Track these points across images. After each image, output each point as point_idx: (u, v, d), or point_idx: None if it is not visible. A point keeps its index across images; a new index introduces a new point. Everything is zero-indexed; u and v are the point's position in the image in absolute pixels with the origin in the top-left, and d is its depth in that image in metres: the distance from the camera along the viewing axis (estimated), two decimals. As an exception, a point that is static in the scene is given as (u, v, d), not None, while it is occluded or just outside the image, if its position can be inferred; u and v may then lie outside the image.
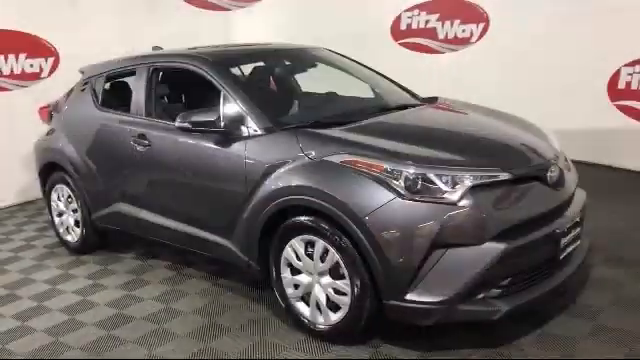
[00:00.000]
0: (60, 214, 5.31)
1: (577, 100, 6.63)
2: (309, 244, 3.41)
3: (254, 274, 3.82)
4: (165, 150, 4.13)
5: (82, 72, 5.26)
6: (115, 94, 4.90)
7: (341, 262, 3.25)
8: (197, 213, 4.03)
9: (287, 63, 4.76)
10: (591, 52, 6.40)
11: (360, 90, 4.72)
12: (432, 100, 4.42)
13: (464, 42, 7.65)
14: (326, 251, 3.31)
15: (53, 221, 5.39)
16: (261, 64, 4.61)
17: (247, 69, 4.80)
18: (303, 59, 4.76)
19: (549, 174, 3.30)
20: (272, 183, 3.48)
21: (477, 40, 7.55)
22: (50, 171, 5.26)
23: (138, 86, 4.48)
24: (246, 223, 3.67)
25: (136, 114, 4.43)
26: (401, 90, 4.63)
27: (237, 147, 3.68)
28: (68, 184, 5.05)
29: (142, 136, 4.28)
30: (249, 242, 3.70)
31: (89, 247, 5.18)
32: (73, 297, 4.37)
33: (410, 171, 3.07)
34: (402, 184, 3.05)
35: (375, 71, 4.80)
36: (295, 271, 3.52)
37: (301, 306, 3.55)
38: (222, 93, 3.87)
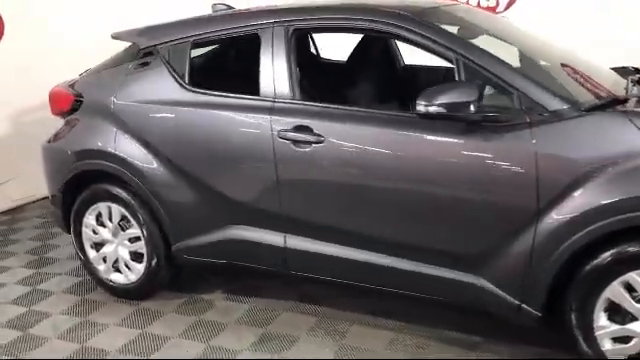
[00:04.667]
0: (98, 245, 3.67)
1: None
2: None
3: (524, 320, 2.66)
4: (363, 149, 2.79)
5: (118, 38, 3.65)
6: (212, 68, 3.39)
7: None
8: (420, 239, 2.77)
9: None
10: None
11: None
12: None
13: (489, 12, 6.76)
14: None
15: (85, 256, 3.73)
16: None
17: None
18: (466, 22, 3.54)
19: None
20: (600, 192, 2.34)
21: (505, 9, 6.69)
22: (82, 185, 3.59)
23: (271, 56, 3.05)
24: (527, 252, 2.51)
25: (275, 97, 3.01)
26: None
27: (514, 139, 2.49)
28: (122, 202, 3.45)
29: (304, 129, 2.90)
30: (528, 278, 2.55)
31: (151, 289, 3.63)
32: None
33: None
34: None
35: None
36: (618, 317, 2.43)
37: (632, 368, 2.47)
38: (462, 63, 2.63)
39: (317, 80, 3.31)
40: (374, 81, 3.79)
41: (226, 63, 3.65)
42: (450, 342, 3.03)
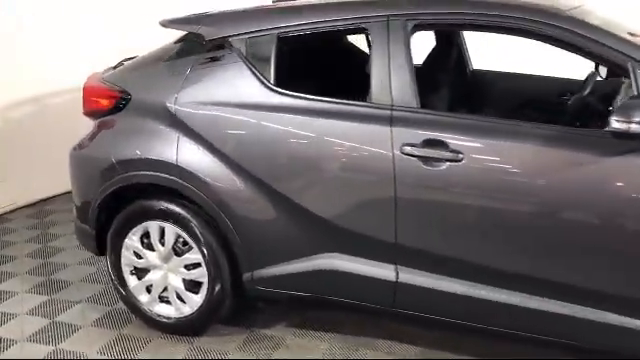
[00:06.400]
0: (140, 271, 3.09)
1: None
2: None
3: None
4: (518, 171, 2.36)
5: (167, 26, 3.08)
6: (304, 67, 2.88)
7: None
8: (586, 281, 2.37)
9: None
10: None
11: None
12: None
13: None
14: None
15: (123, 284, 3.13)
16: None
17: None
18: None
19: None
20: None
21: None
22: (124, 200, 3.01)
23: (387, 56, 2.59)
24: None
25: (392, 104, 2.55)
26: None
27: None
28: (178, 221, 2.90)
29: (436, 144, 2.44)
30: None
31: (206, 324, 3.08)
32: None
33: None
34: None
35: None
36: None
37: None
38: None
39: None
40: (451, 86, 3.38)
41: (321, 61, 3.14)
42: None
